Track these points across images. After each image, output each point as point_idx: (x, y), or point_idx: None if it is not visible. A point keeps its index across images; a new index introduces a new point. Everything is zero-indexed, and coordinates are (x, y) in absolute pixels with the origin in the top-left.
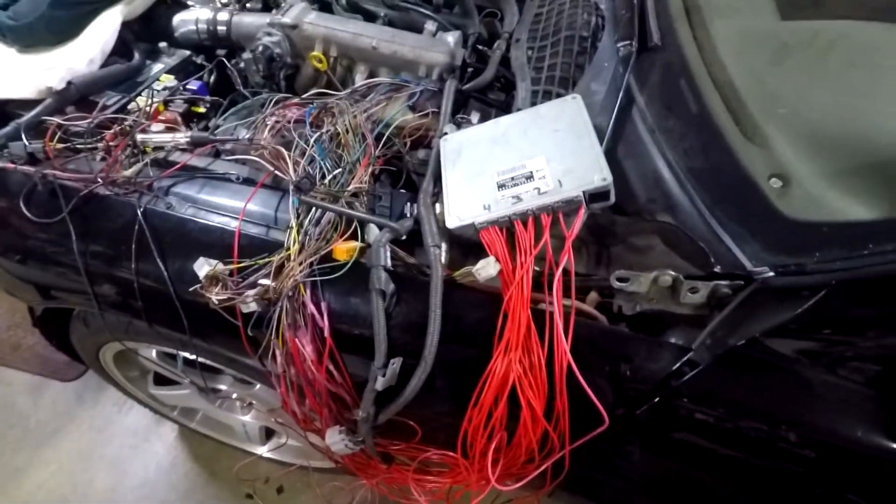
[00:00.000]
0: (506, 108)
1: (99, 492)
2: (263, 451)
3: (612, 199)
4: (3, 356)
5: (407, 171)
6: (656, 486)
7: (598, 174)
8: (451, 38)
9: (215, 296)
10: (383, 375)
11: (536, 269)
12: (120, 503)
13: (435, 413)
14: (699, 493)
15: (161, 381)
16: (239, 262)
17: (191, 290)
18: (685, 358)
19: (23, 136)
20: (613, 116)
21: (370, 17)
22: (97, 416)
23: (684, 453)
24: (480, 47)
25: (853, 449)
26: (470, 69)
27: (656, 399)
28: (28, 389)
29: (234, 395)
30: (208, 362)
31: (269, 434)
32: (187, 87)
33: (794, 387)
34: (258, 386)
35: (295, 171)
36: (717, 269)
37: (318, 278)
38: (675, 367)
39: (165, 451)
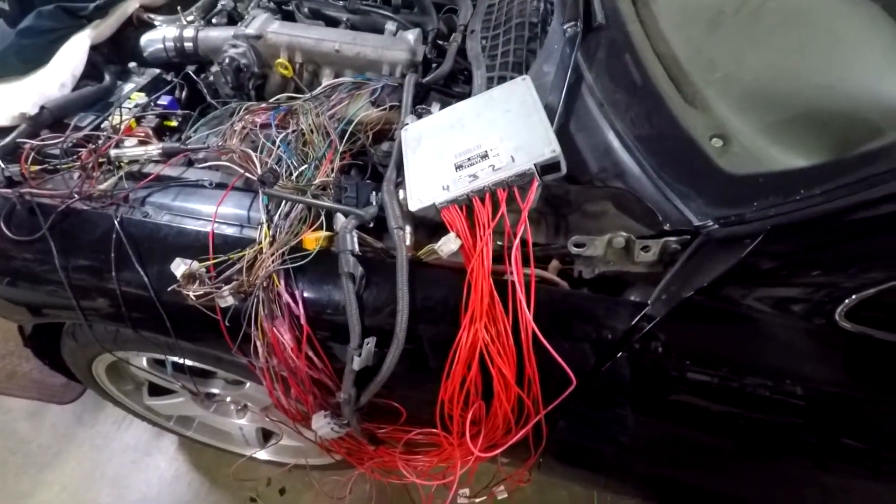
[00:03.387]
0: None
1: None
2: (261, 452)
3: (564, 169)
4: (0, 384)
5: (372, 163)
6: (639, 445)
7: (548, 147)
8: (411, 35)
9: (193, 293)
10: (359, 356)
11: (499, 243)
12: None
13: (415, 391)
14: (683, 448)
15: (156, 391)
16: (214, 258)
17: (169, 289)
18: (642, 313)
19: None
20: (563, 94)
21: (332, 22)
22: (97, 435)
23: (654, 407)
24: (440, 42)
25: (810, 387)
26: (433, 64)
27: (619, 354)
28: (27, 415)
29: (228, 398)
30: (197, 365)
31: (266, 437)
32: (158, 102)
33: (750, 331)
34: (248, 385)
35: (262, 169)
36: (666, 226)
37: (289, 266)
38: (633, 323)
39: (167, 463)
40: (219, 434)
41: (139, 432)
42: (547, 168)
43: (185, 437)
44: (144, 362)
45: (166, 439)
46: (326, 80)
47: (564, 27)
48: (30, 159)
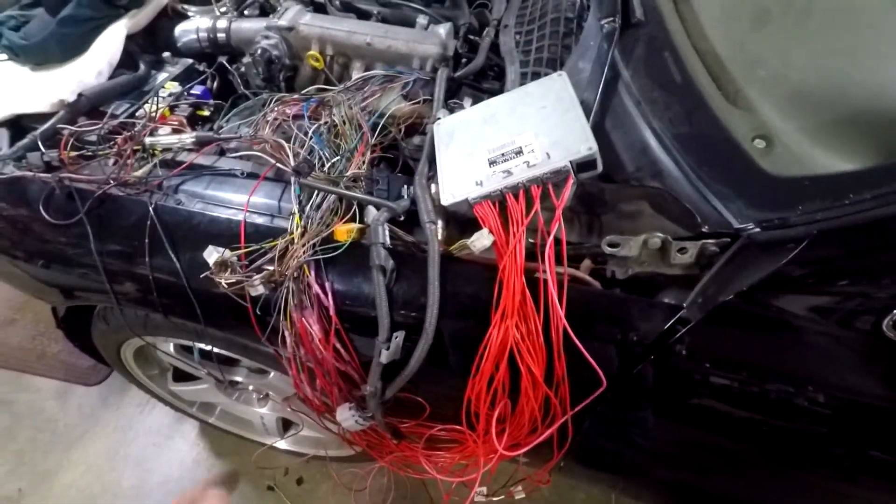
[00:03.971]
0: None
1: (126, 490)
2: (281, 442)
3: (600, 167)
4: (30, 364)
5: (403, 157)
6: (664, 449)
7: (585, 144)
8: (443, 29)
9: (224, 280)
10: (387, 349)
11: (531, 240)
12: (146, 500)
13: (441, 387)
14: (707, 453)
15: (180, 377)
16: (246, 248)
17: (202, 276)
18: (677, 316)
19: (39, 146)
20: (600, 91)
21: (364, 15)
22: (121, 417)
23: (684, 412)
24: (472, 37)
25: (850, 398)
26: (463, 59)
27: (651, 358)
28: (55, 395)
29: (251, 387)
30: (223, 352)
31: (286, 427)
32: (191, 92)
33: (789, 338)
34: (272, 374)
35: (294, 160)
36: (705, 228)
37: (320, 257)
38: (667, 326)
39: (188, 448)
40: (240, 422)
41: (162, 416)
42: (583, 166)
43: (206, 423)
44: (172, 348)
45: (188, 424)
46: (357, 73)
47: (601, 23)
48: (69, 145)
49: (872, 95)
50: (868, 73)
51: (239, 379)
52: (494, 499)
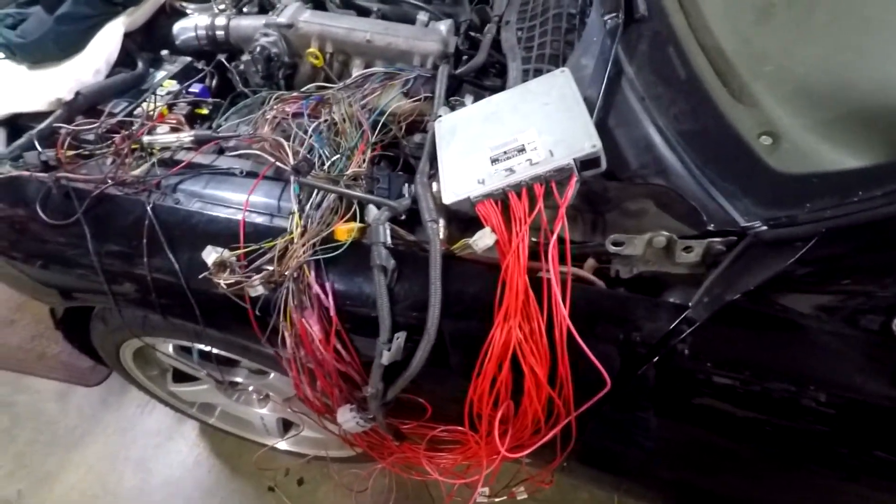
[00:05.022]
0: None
1: (127, 491)
2: (281, 442)
3: (604, 165)
4: (30, 365)
5: (404, 155)
6: (669, 450)
7: (588, 142)
8: (443, 26)
9: (224, 281)
10: (388, 350)
11: (534, 239)
12: (148, 502)
13: (442, 387)
14: (712, 454)
15: (180, 378)
16: (245, 248)
17: (200, 276)
18: (682, 316)
19: (36, 145)
20: (603, 87)
21: (363, 12)
22: (122, 418)
23: (689, 412)
24: (473, 34)
25: (859, 399)
26: (464, 56)
27: (656, 358)
28: (55, 396)
29: (251, 388)
30: (223, 353)
31: (286, 427)
32: (189, 90)
33: (796, 338)
34: (272, 375)
35: (294, 159)
36: (711, 226)
37: (320, 257)
38: (672, 326)
39: (188, 449)
40: (240, 423)
41: (162, 417)
42: (586, 163)
43: (206, 424)
44: (171, 349)
45: (188, 425)
46: (357, 71)
47: (604, 18)
48: (66, 144)
49: (879, 91)
50: (875, 69)
51: (239, 380)
52: (496, 499)
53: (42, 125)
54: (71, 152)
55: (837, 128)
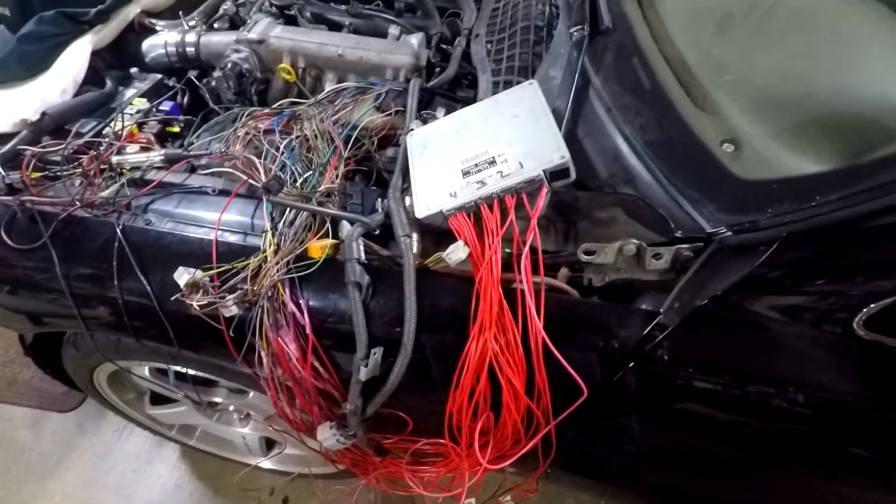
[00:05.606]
0: (472, 103)
1: None
2: (264, 461)
3: (573, 175)
4: (0, 392)
5: (377, 169)
6: (650, 455)
7: (557, 153)
8: (415, 39)
9: (196, 302)
10: (366, 366)
11: (507, 250)
12: None
13: (422, 401)
14: (692, 457)
15: (158, 400)
16: (218, 268)
17: (172, 298)
18: (655, 322)
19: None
20: (571, 98)
21: (335, 26)
22: (98, 443)
23: (667, 417)
24: (444, 47)
25: (827, 397)
26: (436, 69)
27: (631, 364)
28: (28, 423)
29: (231, 407)
30: (200, 374)
31: (269, 446)
32: (160, 108)
33: (764, 340)
34: (252, 394)
35: (266, 176)
36: (678, 233)
37: (294, 275)
38: (645, 332)
39: (168, 472)
40: (221, 443)
41: (141, 441)
42: (556, 174)
43: (187, 445)
44: (146, 371)
45: (168, 448)
46: (329, 85)
47: (571, 31)
48: (31, 166)
49: (835, 98)
50: (830, 77)
51: (218, 400)
52: None
53: (6, 147)
54: (37, 174)
55: (796, 134)
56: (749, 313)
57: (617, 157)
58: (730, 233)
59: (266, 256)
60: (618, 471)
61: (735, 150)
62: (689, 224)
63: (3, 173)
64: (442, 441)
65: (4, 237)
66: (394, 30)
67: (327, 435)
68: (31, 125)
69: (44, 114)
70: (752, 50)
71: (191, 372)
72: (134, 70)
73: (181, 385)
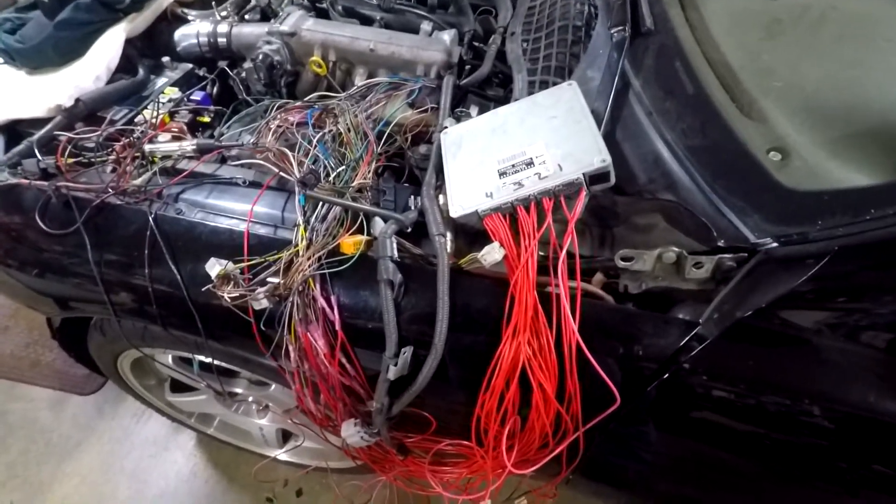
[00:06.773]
0: (504, 102)
1: (121, 502)
2: (281, 453)
3: (613, 179)
4: (24, 373)
5: (409, 166)
6: (674, 466)
7: (598, 156)
8: (447, 36)
9: (227, 294)
10: (395, 365)
11: (542, 253)
12: None
13: (448, 402)
14: (717, 470)
15: (178, 388)
16: (249, 260)
17: (203, 289)
18: (693, 333)
19: (35, 153)
20: (610, 101)
21: (366, 20)
22: (117, 427)
23: (698, 430)
24: (476, 44)
25: (871, 417)
26: (468, 66)
27: (666, 375)
28: (49, 405)
29: (251, 398)
30: (224, 365)
31: (286, 437)
32: (191, 98)
33: (806, 356)
34: (273, 387)
35: (299, 170)
36: (721, 242)
37: (326, 271)
38: (683, 343)
39: (185, 459)
40: (238, 433)
41: (158, 427)
42: (595, 178)
43: (204, 434)
44: (170, 359)
45: (184, 435)
46: (359, 80)
47: (611, 31)
48: (66, 152)
49: (887, 109)
50: (883, 88)
51: (239, 390)
52: None
53: (41, 132)
54: (71, 160)
55: (846, 145)
56: (793, 328)
57: (657, 163)
58: (776, 244)
59: (298, 251)
60: (638, 479)
61: (782, 159)
62: (732, 233)
63: (40, 158)
64: (466, 443)
65: (39, 221)
66: (426, 26)
67: (351, 432)
68: (66, 111)
69: (78, 100)
70: (802, 57)
71: (215, 362)
72: (166, 59)
73: (204, 374)
